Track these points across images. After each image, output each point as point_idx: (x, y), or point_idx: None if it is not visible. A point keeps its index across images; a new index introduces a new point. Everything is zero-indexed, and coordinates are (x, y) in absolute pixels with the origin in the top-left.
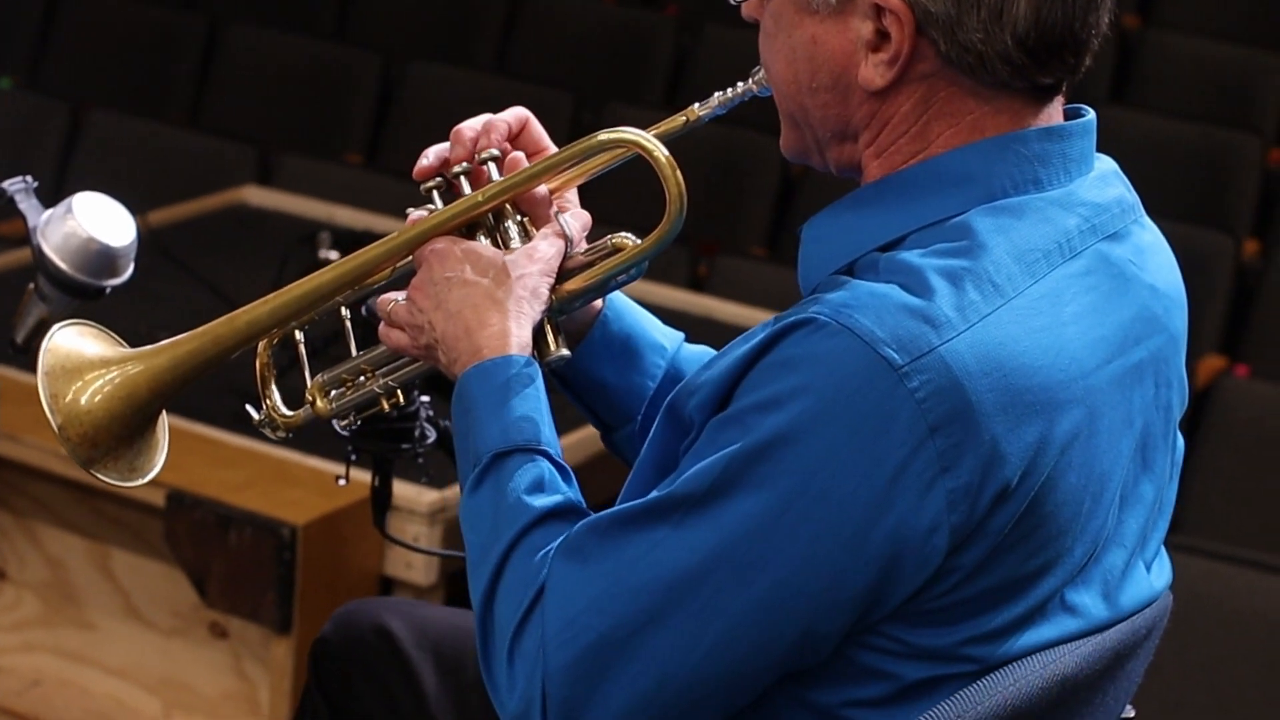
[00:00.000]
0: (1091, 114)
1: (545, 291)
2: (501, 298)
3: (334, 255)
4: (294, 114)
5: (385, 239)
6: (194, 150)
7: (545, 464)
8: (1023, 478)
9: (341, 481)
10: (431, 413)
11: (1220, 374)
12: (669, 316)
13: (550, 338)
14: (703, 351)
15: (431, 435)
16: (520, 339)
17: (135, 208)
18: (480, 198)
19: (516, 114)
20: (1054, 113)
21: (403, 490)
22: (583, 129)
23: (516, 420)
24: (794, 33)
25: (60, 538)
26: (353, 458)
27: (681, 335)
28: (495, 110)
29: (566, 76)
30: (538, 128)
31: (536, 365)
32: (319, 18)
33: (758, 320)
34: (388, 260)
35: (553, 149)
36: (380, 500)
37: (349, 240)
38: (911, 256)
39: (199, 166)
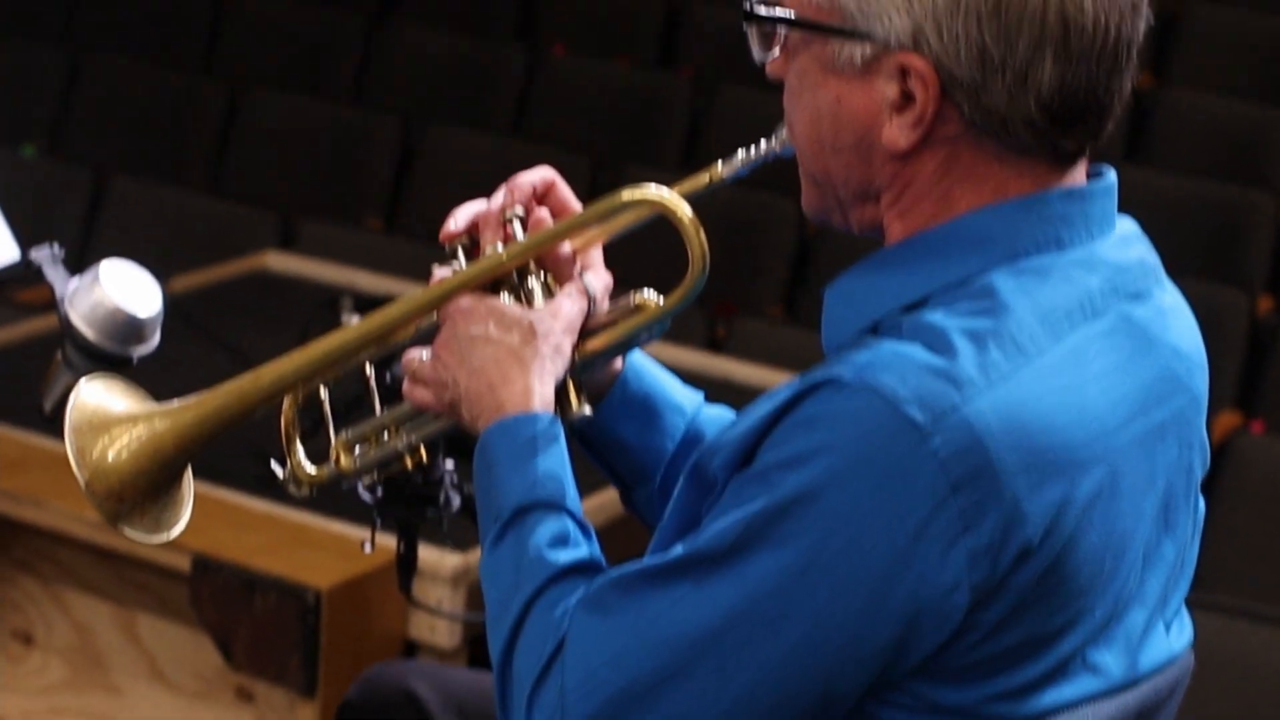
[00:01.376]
0: (1112, 174)
1: (568, 349)
2: (525, 355)
3: (356, 320)
4: (314, 178)
5: (410, 295)
6: (215, 215)
7: (568, 520)
8: (1044, 537)
9: (368, 548)
10: (456, 478)
11: (1235, 430)
12: (686, 379)
13: (573, 395)
14: (722, 413)
15: (456, 501)
16: (543, 396)
17: (157, 274)
18: (504, 256)
19: (543, 174)
20: (1077, 175)
21: (426, 554)
22: (600, 191)
23: (539, 477)
24: (818, 92)
25: (86, 603)
26: (378, 523)
27: (701, 396)
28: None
29: (583, 139)
30: (565, 190)
31: (559, 423)
32: (337, 82)
33: (775, 382)
34: (412, 317)
35: (579, 210)
36: (406, 566)
37: (371, 305)
38: (935, 317)
39: (220, 232)
